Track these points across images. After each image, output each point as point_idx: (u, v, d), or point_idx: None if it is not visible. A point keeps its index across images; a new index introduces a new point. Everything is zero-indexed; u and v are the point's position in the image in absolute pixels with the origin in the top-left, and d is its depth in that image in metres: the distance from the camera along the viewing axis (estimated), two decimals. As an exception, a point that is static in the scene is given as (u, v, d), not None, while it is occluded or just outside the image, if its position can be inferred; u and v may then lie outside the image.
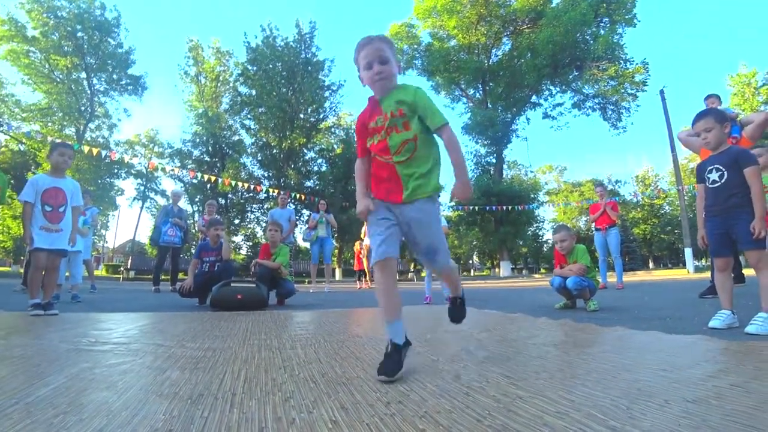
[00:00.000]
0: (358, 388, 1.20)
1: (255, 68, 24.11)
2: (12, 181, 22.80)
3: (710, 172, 2.44)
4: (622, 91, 25.43)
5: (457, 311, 1.88)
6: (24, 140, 23.12)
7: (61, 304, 4.07)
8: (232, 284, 3.95)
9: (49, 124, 24.82)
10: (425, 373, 1.39)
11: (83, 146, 12.49)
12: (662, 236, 43.73)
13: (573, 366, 1.47)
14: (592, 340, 2.04)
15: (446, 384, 1.24)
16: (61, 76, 24.24)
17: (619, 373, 1.34)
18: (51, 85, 23.91)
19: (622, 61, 24.81)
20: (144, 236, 41.55)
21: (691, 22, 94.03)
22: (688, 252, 15.90)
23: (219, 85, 29.13)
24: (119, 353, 1.72)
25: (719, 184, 2.39)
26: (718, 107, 4.14)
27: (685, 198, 17.63)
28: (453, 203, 23.48)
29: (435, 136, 1.55)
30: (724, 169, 2.37)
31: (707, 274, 11.32)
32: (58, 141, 5.22)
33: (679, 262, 42.99)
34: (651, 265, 45.34)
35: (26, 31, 22.47)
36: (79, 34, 23.53)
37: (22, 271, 9.60)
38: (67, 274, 5.18)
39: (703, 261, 34.65)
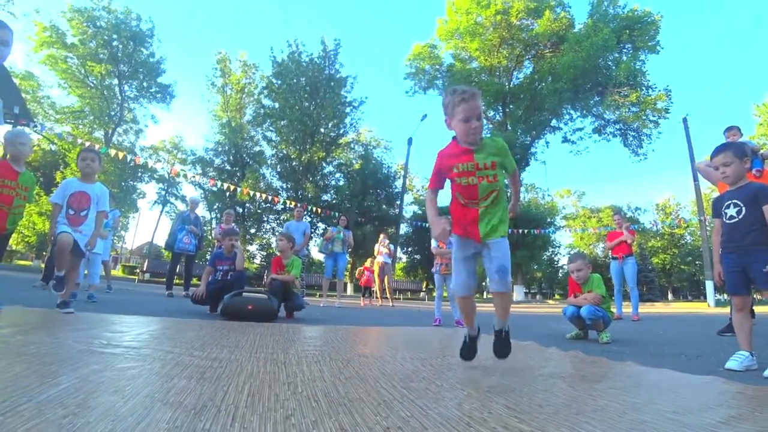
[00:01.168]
0: (359, 410, 1.20)
1: (279, 82, 24.71)
2: (41, 179, 23.69)
3: (728, 207, 2.38)
4: (644, 117, 25.20)
5: (502, 345, 2.02)
6: (55, 141, 24.04)
7: (77, 303, 4.16)
8: (243, 294, 3.99)
9: (80, 126, 25.83)
10: (427, 399, 1.38)
11: (110, 149, 12.93)
12: (682, 267, 42.50)
13: (579, 401, 1.43)
14: (601, 375, 1.98)
15: (447, 412, 1.23)
16: (94, 82, 25.30)
17: (627, 412, 1.29)
18: (85, 90, 24.96)
19: (644, 88, 24.68)
20: (162, 240, 42.30)
21: (717, 50, 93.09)
22: (709, 285, 15.40)
23: (244, 96, 29.88)
24: (129, 357, 1.75)
25: (737, 219, 2.33)
26: (739, 140, 4.07)
27: (707, 229, 17.14)
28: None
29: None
30: (742, 205, 2.31)
31: (728, 310, 10.91)
32: (85, 147, 5.41)
33: (699, 294, 41.58)
34: (670, 296, 43.99)
35: (66, 38, 23.63)
36: (115, 42, 24.63)
37: (43, 266, 9.88)
38: (85, 272, 5.32)
39: (725, 295, 33.46)
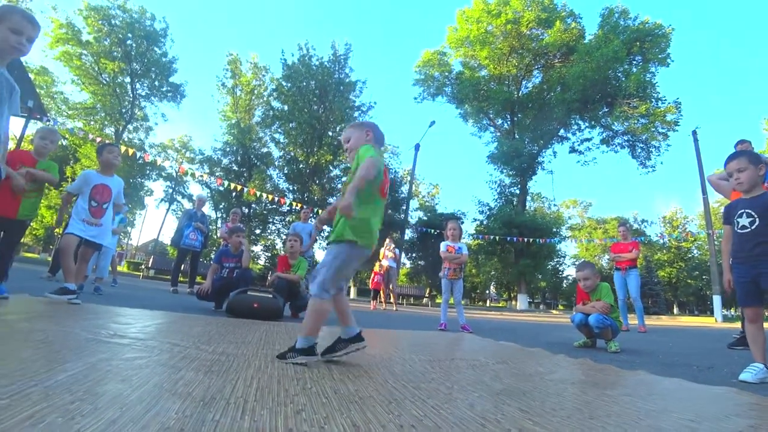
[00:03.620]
0: (370, 407, 1.17)
1: (289, 84, 24.88)
2: (50, 175, 23.88)
3: (740, 216, 2.33)
4: (653, 129, 25.03)
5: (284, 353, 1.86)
6: (67, 136, 24.28)
7: (83, 294, 4.16)
8: (249, 292, 3.97)
9: (92, 122, 26.13)
10: (438, 399, 1.35)
11: (120, 145, 13.05)
12: (689, 281, 42.00)
13: (592, 407, 1.40)
14: (612, 382, 1.94)
15: (460, 413, 1.19)
16: (107, 79, 25.63)
17: (641, 419, 1.26)
18: (97, 87, 25.28)
19: (653, 100, 24.51)
20: (167, 237, 42.53)
21: (728, 63, 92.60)
22: (716, 300, 15.16)
23: (253, 98, 30.10)
24: (136, 348, 1.74)
25: (749, 230, 2.28)
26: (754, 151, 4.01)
27: (715, 243, 16.91)
28: (474, 232, 23.27)
29: None
30: (755, 216, 2.27)
31: (736, 325, 10.75)
32: (107, 141, 5.50)
33: (706, 309, 41.08)
34: (676, 310, 43.46)
35: (81, 35, 23.97)
36: (129, 41, 24.95)
37: (50, 259, 9.95)
38: (94, 266, 5.34)
39: (732, 311, 33.01)
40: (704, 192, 16.74)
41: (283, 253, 5.11)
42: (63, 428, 0.80)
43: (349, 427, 0.98)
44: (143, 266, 18.82)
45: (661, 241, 39.43)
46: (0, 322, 2.11)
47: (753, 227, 2.27)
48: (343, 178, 27.07)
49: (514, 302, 30.97)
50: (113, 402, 0.99)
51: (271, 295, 4.03)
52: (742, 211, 2.33)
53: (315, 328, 1.81)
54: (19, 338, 1.69)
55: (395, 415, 1.12)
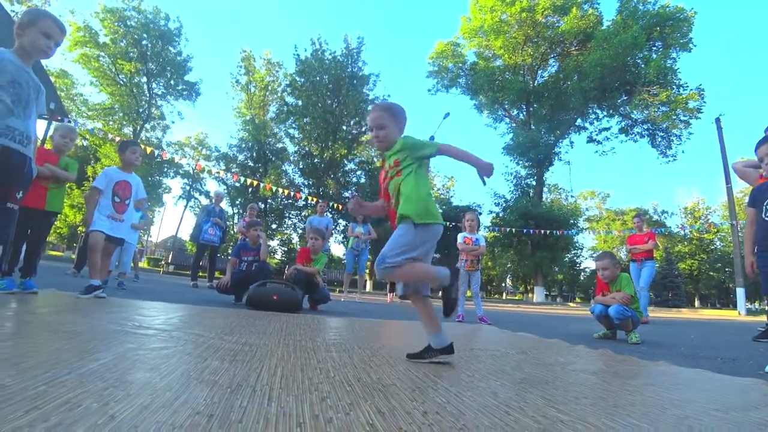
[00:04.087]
0: (394, 395, 1.18)
1: (303, 80, 24.97)
2: (73, 174, 24.53)
3: None
4: (674, 117, 24.37)
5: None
6: (87, 136, 24.88)
7: (108, 289, 4.28)
8: (268, 285, 4.02)
9: (110, 122, 26.71)
10: (461, 387, 1.34)
11: (139, 145, 13.29)
12: (711, 273, 40.96)
13: (615, 396, 1.39)
14: (634, 372, 1.92)
15: (484, 400, 1.19)
16: (124, 80, 26.13)
17: (666, 408, 1.25)
18: (115, 88, 25.80)
19: (675, 87, 23.85)
20: (186, 234, 43.37)
21: (753, 48, 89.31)
22: (740, 292, 14.75)
23: (267, 94, 30.32)
24: (162, 339, 1.78)
25: None
26: None
27: (739, 234, 16.41)
28: (490, 224, 23.06)
29: None
30: None
31: (761, 318, 10.45)
32: (128, 140, 5.64)
33: (728, 302, 40.08)
34: (697, 303, 42.50)
35: (98, 37, 24.46)
36: (144, 42, 25.35)
37: (74, 256, 10.25)
38: (117, 262, 5.48)
39: (757, 304, 32.09)
40: (728, 182, 16.25)
41: (303, 246, 5.15)
42: (98, 412, 0.82)
43: (375, 414, 0.99)
44: (163, 262, 19.25)
45: (682, 232, 38.49)
46: (32, 316, 2.18)
47: None
48: (358, 172, 27.16)
49: (530, 295, 30.72)
50: (144, 389, 1.02)
51: (290, 288, 4.07)
52: None
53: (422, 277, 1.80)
54: (50, 330, 1.75)
55: (419, 402, 1.12)
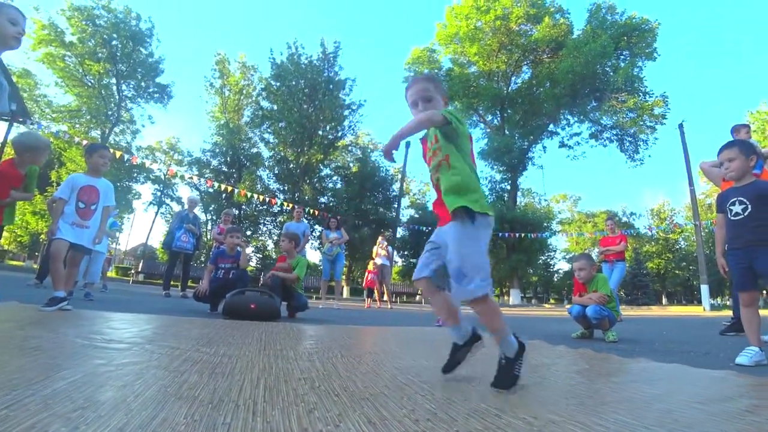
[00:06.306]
0: (383, 404, 1.15)
1: (278, 84, 24.69)
2: (35, 179, 23.40)
3: (733, 203, 2.39)
4: (641, 123, 25.41)
5: (503, 374, 1.43)
6: (52, 139, 23.79)
7: (74, 300, 4.07)
8: (246, 293, 3.92)
9: (77, 125, 25.60)
10: (450, 392, 1.33)
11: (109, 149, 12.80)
12: (677, 272, 42.75)
13: (601, 394, 1.42)
14: (616, 370, 1.99)
15: (474, 405, 1.18)
16: (92, 81, 25.13)
17: (650, 403, 1.29)
18: (82, 89, 24.78)
19: (641, 94, 24.86)
20: (156, 241, 42.01)
21: (713, 58, 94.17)
22: (704, 289, 15.41)
23: (242, 98, 29.83)
24: (135, 352, 1.69)
25: (742, 217, 2.34)
26: (749, 140, 4.02)
27: (702, 234, 17.15)
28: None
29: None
30: (747, 203, 2.33)
31: (724, 313, 10.99)
32: (96, 143, 5.40)
33: (693, 299, 41.82)
34: (664, 300, 44.18)
35: (65, 36, 23.44)
36: (114, 42, 24.48)
37: (36, 266, 9.74)
38: (84, 271, 5.23)
39: (719, 299, 33.59)
40: (691, 184, 16.98)
41: (280, 254, 5.06)
42: (68, 437, 0.76)
43: (365, 424, 0.95)
44: (132, 271, 18.55)
45: (649, 233, 39.98)
46: (-10, 330, 2.04)
47: (746, 213, 2.33)
48: (335, 177, 27.02)
49: (506, 297, 31.17)
50: (117, 409, 0.95)
51: (268, 295, 3.98)
52: (735, 199, 2.39)
53: (504, 324, 1.51)
54: (13, 346, 1.63)
55: (409, 410, 1.09)
